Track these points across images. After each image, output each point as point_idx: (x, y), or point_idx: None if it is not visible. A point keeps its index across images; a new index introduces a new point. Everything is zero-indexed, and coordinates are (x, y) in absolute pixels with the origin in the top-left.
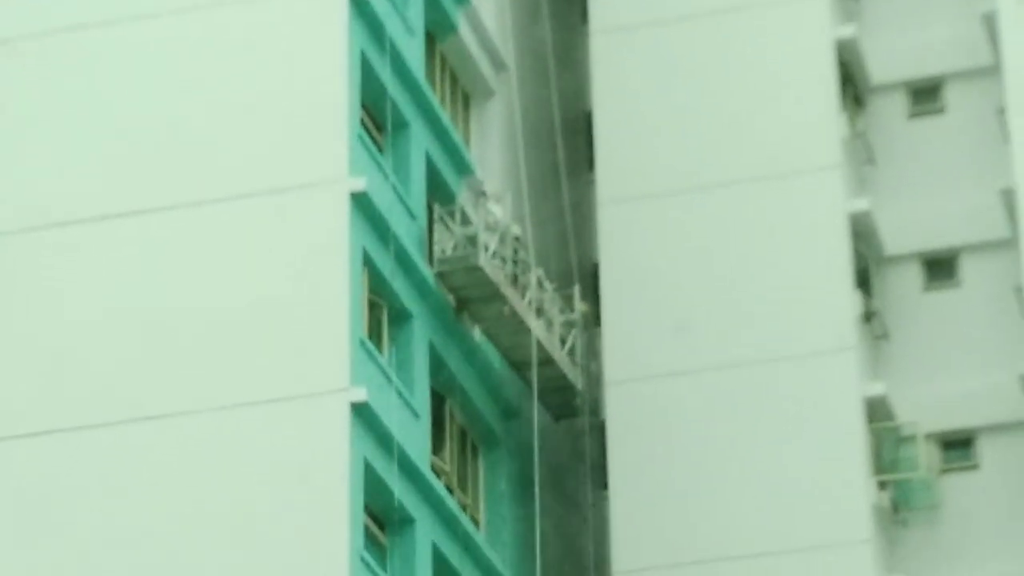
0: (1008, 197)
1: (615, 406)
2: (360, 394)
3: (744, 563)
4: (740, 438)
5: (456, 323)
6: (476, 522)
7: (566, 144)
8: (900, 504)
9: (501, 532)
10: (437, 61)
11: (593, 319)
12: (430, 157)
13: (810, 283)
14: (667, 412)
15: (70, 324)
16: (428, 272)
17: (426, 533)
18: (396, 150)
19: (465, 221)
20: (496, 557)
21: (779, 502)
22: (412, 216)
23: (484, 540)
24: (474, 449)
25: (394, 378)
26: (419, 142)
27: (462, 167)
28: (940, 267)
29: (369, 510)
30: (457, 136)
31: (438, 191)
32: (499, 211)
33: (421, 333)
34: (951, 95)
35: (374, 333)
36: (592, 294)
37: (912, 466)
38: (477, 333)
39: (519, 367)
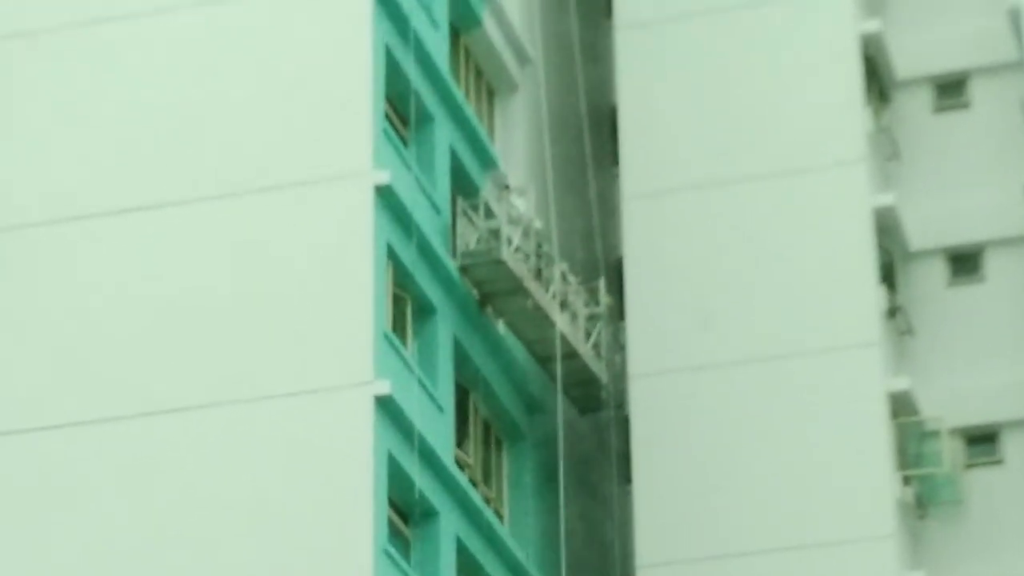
0: None
1: (639, 400)
2: (384, 387)
3: (767, 558)
4: (764, 433)
5: (480, 317)
6: (500, 515)
7: (590, 138)
8: (924, 499)
9: (525, 526)
10: (462, 55)
11: (618, 313)
12: (454, 151)
13: (834, 278)
14: (691, 406)
15: (93, 317)
16: (452, 266)
17: (450, 526)
18: (420, 144)
19: (489, 215)
20: (520, 550)
21: (802, 497)
22: (436, 210)
23: (508, 533)
24: (498, 443)
25: (418, 371)
26: (443, 136)
27: (486, 161)
28: (965, 262)
29: (393, 503)
30: (481, 130)
31: (462, 185)
32: (522, 205)
33: (445, 327)
34: (976, 90)
35: (398, 326)
36: (617, 288)
37: (936, 461)
38: (501, 327)
39: (543, 361)
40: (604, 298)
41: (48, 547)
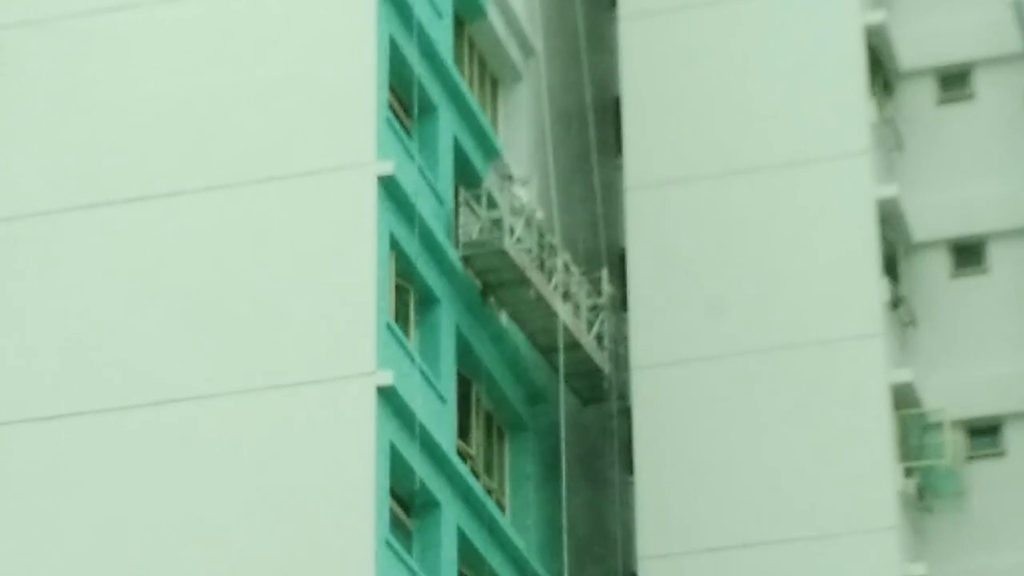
0: None
1: (642, 391)
2: (386, 378)
3: (769, 549)
4: (766, 424)
5: (483, 307)
6: (502, 506)
7: (594, 128)
8: (926, 491)
9: (527, 516)
10: (465, 45)
11: (620, 303)
12: (458, 141)
13: (837, 269)
14: (694, 397)
15: (98, 306)
16: (455, 256)
17: (451, 517)
18: (424, 134)
19: (492, 205)
20: (521, 541)
21: (805, 488)
22: (439, 200)
23: (509, 524)
24: (500, 433)
25: (420, 362)
26: (447, 126)
27: (490, 151)
28: (968, 253)
29: (395, 494)
30: (485, 120)
31: (465, 175)
32: (525, 195)
33: (448, 317)
34: (980, 81)
35: (401, 317)
36: (619, 278)
37: (938, 453)
38: (504, 317)
39: (546, 351)
40: (607, 289)
41: (54, 535)
